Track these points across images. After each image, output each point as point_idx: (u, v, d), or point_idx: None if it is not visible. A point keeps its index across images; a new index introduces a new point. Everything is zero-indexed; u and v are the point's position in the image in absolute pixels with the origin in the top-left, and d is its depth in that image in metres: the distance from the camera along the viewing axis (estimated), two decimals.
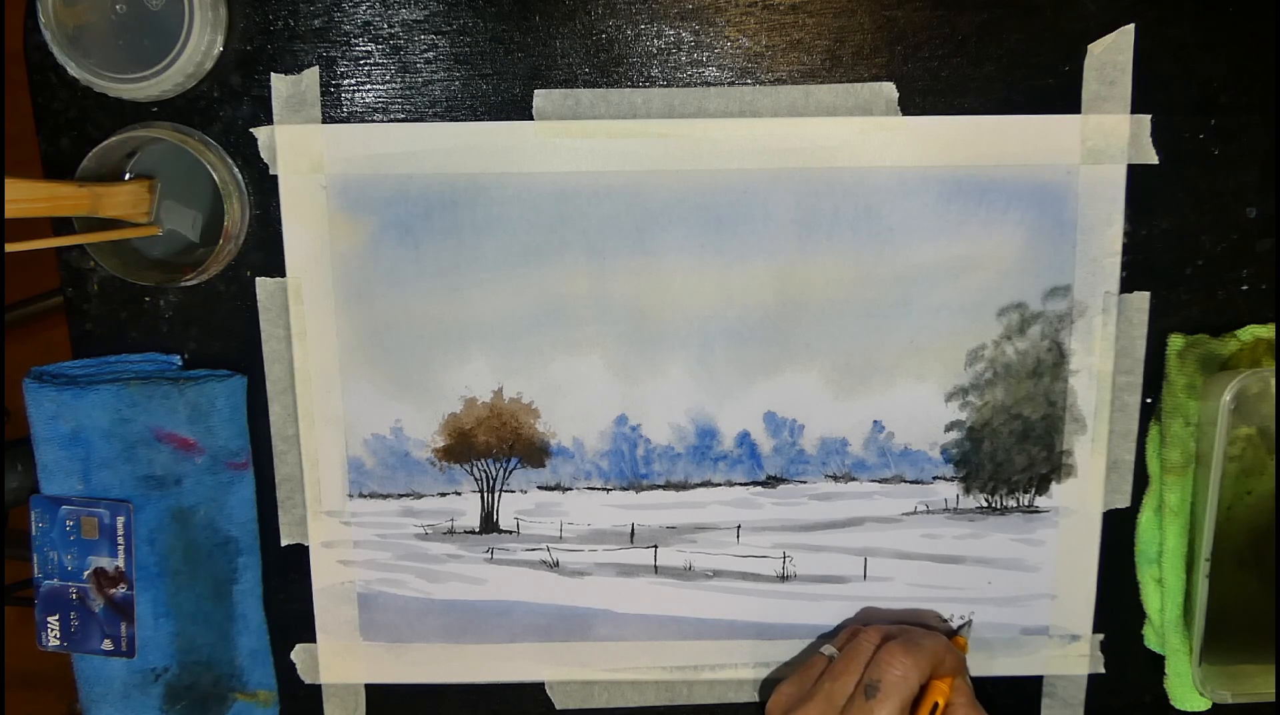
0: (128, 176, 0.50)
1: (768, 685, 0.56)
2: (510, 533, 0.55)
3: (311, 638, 0.56)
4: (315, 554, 0.55)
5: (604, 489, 0.54)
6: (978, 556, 0.54)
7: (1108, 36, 0.49)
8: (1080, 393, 0.53)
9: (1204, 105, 0.50)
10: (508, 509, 0.54)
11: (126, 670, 0.53)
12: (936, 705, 0.48)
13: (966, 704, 0.48)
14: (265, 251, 0.51)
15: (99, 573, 0.52)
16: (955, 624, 0.55)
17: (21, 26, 0.49)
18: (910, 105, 0.50)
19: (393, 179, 0.51)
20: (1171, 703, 0.54)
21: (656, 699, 0.56)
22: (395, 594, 0.55)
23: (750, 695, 0.56)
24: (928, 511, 0.54)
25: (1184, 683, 0.53)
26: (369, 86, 0.50)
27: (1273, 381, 0.49)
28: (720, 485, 0.54)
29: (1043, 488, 0.54)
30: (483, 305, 0.52)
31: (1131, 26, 0.49)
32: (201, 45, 0.48)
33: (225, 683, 0.54)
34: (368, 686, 0.56)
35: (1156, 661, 0.55)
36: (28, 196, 0.45)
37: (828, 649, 0.51)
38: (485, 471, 0.54)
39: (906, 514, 0.54)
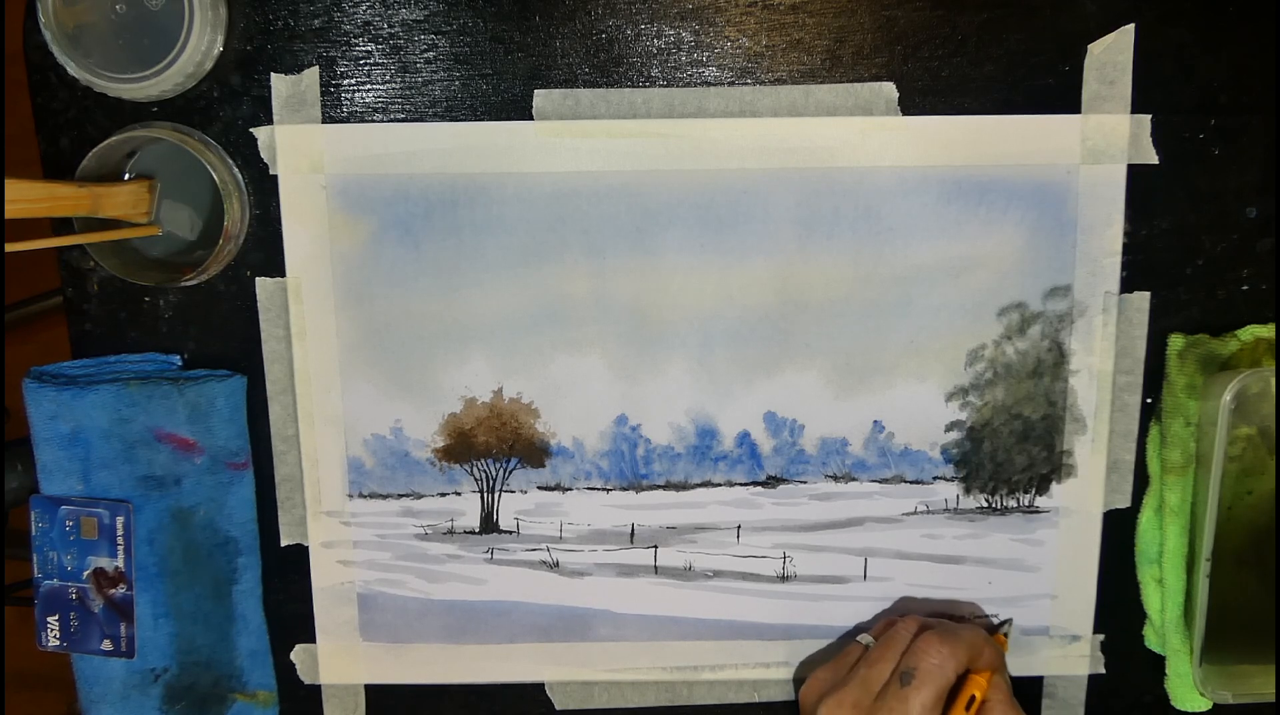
0: (128, 176, 0.50)
1: (802, 673, 0.56)
2: (510, 533, 0.55)
3: (311, 638, 0.56)
4: (315, 554, 0.55)
5: (604, 489, 0.54)
6: (978, 556, 0.54)
7: (1108, 36, 0.49)
8: (1080, 393, 0.53)
9: (1204, 105, 0.50)
10: (508, 509, 0.54)
11: (126, 670, 0.53)
12: (973, 699, 0.47)
13: (1004, 701, 0.48)
14: (265, 251, 0.51)
15: (99, 573, 0.52)
16: (996, 621, 0.55)
17: (21, 26, 0.48)
18: (910, 105, 0.50)
19: (393, 179, 0.51)
20: (1172, 703, 0.54)
21: (656, 699, 0.56)
22: (395, 594, 0.55)
23: (750, 695, 0.56)
24: (928, 511, 0.54)
25: (1184, 683, 0.53)
26: (369, 86, 0.50)
27: (1273, 381, 0.49)
28: (720, 485, 0.54)
29: (1043, 488, 0.54)
30: (483, 305, 0.52)
31: (1131, 26, 0.49)
32: (201, 45, 0.48)
33: (225, 683, 0.54)
34: (368, 687, 0.56)
35: (1157, 662, 0.55)
36: (28, 197, 0.45)
37: (864, 638, 0.51)
38: (485, 471, 0.54)
39: (907, 514, 0.54)
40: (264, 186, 0.51)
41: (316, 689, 0.56)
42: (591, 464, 0.54)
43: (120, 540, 0.52)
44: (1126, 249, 0.51)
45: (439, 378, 0.53)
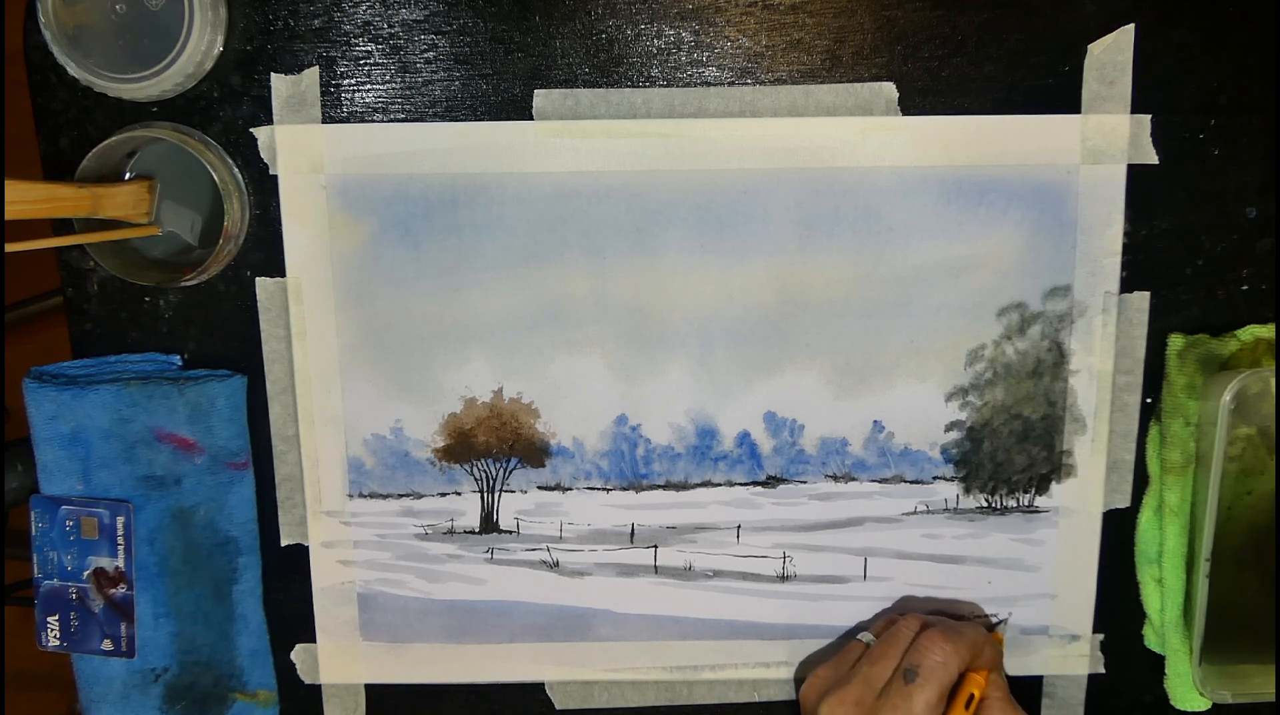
0: (128, 176, 0.50)
1: (803, 672, 0.56)
2: (510, 533, 0.55)
3: (311, 638, 0.56)
4: (315, 554, 0.55)
5: (604, 489, 0.54)
6: (978, 556, 0.54)
7: (1108, 36, 0.49)
8: (1080, 393, 0.53)
9: (1204, 105, 0.50)
10: (508, 509, 0.54)
11: (126, 670, 0.53)
12: (973, 697, 0.47)
13: (1003, 698, 0.48)
14: (265, 251, 0.51)
15: (99, 573, 0.52)
16: (993, 620, 0.55)
17: (21, 26, 0.49)
18: (910, 105, 0.50)
19: (393, 179, 0.51)
20: (1171, 703, 0.54)
21: (656, 699, 0.56)
22: (395, 594, 0.55)
23: (750, 695, 0.56)
24: (928, 511, 0.54)
25: (1184, 683, 0.53)
26: (369, 86, 0.50)
27: (1273, 381, 0.49)
28: (720, 485, 0.54)
29: (1043, 488, 0.54)
30: (483, 305, 0.52)
31: (1131, 26, 0.49)
32: (201, 45, 0.48)
33: (225, 683, 0.54)
34: (368, 687, 0.56)
35: (1156, 661, 0.55)
36: (28, 197, 0.45)
37: (865, 636, 0.51)
38: (485, 471, 0.54)
39: (906, 514, 0.54)
40: (264, 186, 0.51)
41: (317, 689, 0.56)
42: (591, 464, 0.54)
43: (120, 540, 0.52)
44: (1126, 249, 0.51)
45: (439, 378, 0.53)
